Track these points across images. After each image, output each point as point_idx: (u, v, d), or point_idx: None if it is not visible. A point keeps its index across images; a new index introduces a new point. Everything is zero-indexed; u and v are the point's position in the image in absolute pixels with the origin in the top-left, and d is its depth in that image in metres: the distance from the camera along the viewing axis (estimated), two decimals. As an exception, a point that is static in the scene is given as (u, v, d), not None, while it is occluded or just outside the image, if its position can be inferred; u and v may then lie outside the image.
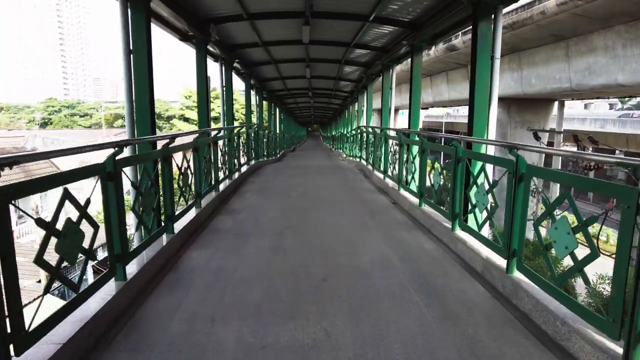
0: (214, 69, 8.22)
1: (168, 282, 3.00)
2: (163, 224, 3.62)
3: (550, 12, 10.25)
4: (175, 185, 4.10)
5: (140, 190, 3.03)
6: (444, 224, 4.12)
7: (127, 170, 3.01)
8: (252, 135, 10.17)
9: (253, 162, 10.19)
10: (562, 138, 16.04)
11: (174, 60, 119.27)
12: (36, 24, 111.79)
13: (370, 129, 9.21)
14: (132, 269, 2.78)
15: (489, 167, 3.73)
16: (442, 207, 4.42)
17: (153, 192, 3.28)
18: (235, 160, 7.72)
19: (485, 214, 3.39)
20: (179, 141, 5.15)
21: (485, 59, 4.13)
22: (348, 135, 15.39)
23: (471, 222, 3.71)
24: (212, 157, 5.72)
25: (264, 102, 16.51)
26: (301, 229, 4.47)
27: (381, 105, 8.63)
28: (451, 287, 2.95)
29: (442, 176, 4.38)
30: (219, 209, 5.43)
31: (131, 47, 3.73)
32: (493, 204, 3.23)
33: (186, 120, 56.31)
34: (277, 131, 18.35)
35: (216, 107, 50.41)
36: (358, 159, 11.53)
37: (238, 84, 11.69)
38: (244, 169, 8.66)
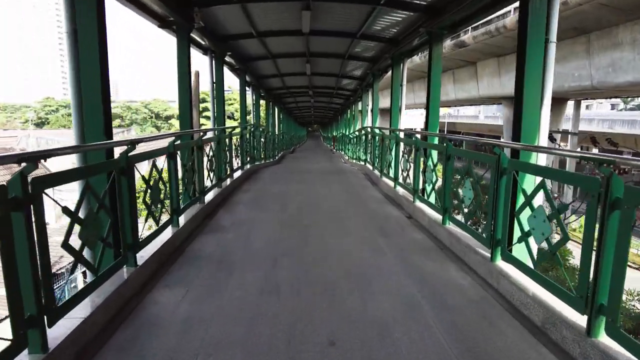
0: (204, 63, 7.39)
1: (117, 343, 2.15)
2: (129, 250, 2.78)
3: (573, 3, 9.41)
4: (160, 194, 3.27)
5: (81, 217, 2.17)
6: (479, 252, 3.27)
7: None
8: (248, 136, 9.33)
9: (249, 166, 9.35)
10: (578, 140, 15.19)
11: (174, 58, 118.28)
12: (36, 23, 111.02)
13: (377, 130, 8.37)
14: (59, 332, 1.94)
15: (536, 180, 2.92)
16: (474, 229, 3.58)
17: (101, 217, 2.43)
18: (227, 166, 6.89)
19: (542, 245, 2.55)
20: (153, 145, 4.35)
21: (538, 43, 3.27)
22: (351, 136, 14.54)
23: (519, 253, 2.88)
24: (196, 164, 4.89)
25: (262, 102, 15.67)
26: (300, 255, 3.62)
27: (390, 104, 7.79)
28: (509, 354, 2.11)
29: (474, 189, 3.52)
30: (203, 226, 4.58)
31: (76, 25, 2.82)
32: (561, 236, 2.35)
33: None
34: (276, 132, 17.50)
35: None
36: (362, 162, 10.68)
37: (234, 82, 10.82)
38: (237, 174, 7.82)
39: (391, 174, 6.90)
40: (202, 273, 3.17)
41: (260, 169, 10.20)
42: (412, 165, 5.74)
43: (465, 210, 3.78)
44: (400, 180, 6.07)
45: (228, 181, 6.95)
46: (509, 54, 15.00)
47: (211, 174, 5.77)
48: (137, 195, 2.97)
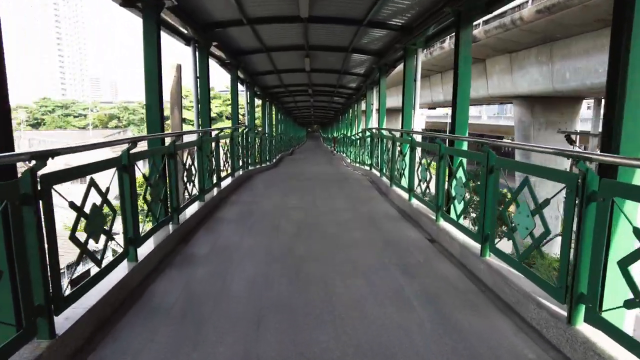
0: (187, 55, 6.39)
1: None
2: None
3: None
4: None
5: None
6: (545, 305, 2.28)
7: None
8: (240, 139, 8.34)
9: (241, 172, 8.35)
10: (598, 142, 14.16)
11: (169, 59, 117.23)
12: (36, 23, 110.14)
13: (385, 132, 7.37)
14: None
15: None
16: (532, 269, 2.58)
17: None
18: (214, 175, 5.90)
19: None
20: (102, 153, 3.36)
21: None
22: (354, 138, 13.53)
23: (613, 317, 1.90)
24: (167, 176, 3.89)
25: (259, 101, 14.67)
26: (292, 312, 2.58)
27: (402, 101, 6.78)
28: None
29: (540, 218, 2.52)
30: (175, 254, 3.59)
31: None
32: None
33: (182, 120, 54.57)
34: (273, 133, 16.50)
35: (213, 106, 48.73)
36: (367, 167, 9.68)
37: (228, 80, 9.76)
38: (227, 182, 6.82)
39: (404, 183, 5.91)
40: (156, 339, 2.17)
41: (255, 175, 9.20)
42: (430, 174, 4.74)
43: (519, 243, 2.78)
44: (418, 191, 5.08)
45: (215, 191, 5.97)
46: (522, 50, 14.00)
47: (190, 186, 4.77)
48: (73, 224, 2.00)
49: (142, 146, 3.68)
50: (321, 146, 32.86)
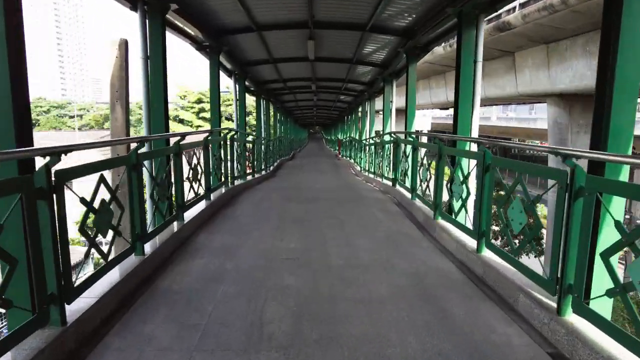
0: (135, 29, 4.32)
1: None
2: None
3: None
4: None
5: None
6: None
7: None
8: (223, 146, 6.27)
9: (223, 189, 6.28)
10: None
11: (174, 58, 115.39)
12: (35, 23, 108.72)
13: (411, 137, 5.25)
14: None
15: None
16: None
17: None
18: (167, 210, 3.83)
19: None
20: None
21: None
22: (365, 142, 11.41)
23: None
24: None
25: (253, 98, 12.58)
26: None
27: (455, 94, 4.59)
28: None
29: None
30: None
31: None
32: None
33: (181, 121, 52.72)
34: (271, 136, 14.40)
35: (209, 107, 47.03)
36: (385, 181, 7.58)
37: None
38: (197, 209, 4.75)
39: (462, 218, 3.84)
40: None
41: (243, 192, 7.11)
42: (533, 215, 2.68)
43: None
44: (484, 228, 3.01)
45: (175, 226, 3.93)
46: (564, 39, 11.87)
47: (116, 227, 2.71)
48: None
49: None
50: (324, 149, 30.74)
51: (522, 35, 12.26)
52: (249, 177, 8.50)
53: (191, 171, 4.73)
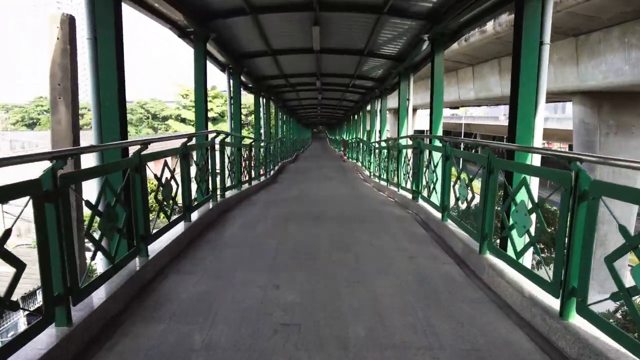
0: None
1: None
2: None
3: None
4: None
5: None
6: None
7: None
8: (211, 152, 5.17)
9: (210, 204, 5.20)
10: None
11: (171, 56, 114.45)
12: (35, 23, 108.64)
13: (440, 143, 4.12)
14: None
15: None
16: None
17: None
18: (147, 234, 2.75)
19: None
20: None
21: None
22: (374, 145, 10.25)
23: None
24: None
25: (252, 97, 11.48)
26: None
27: (512, 87, 3.44)
28: None
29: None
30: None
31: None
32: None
33: (183, 120, 51.83)
34: (271, 137, 13.29)
35: (215, 106, 45.87)
36: (406, 193, 6.45)
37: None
38: (170, 236, 3.66)
39: (523, 260, 2.73)
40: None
41: (233, 209, 6.01)
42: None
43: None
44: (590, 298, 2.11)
45: (137, 263, 2.89)
46: (596, 31, 10.68)
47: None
48: None
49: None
50: (327, 149, 29.60)
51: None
52: (245, 186, 7.41)
53: (162, 189, 3.63)
